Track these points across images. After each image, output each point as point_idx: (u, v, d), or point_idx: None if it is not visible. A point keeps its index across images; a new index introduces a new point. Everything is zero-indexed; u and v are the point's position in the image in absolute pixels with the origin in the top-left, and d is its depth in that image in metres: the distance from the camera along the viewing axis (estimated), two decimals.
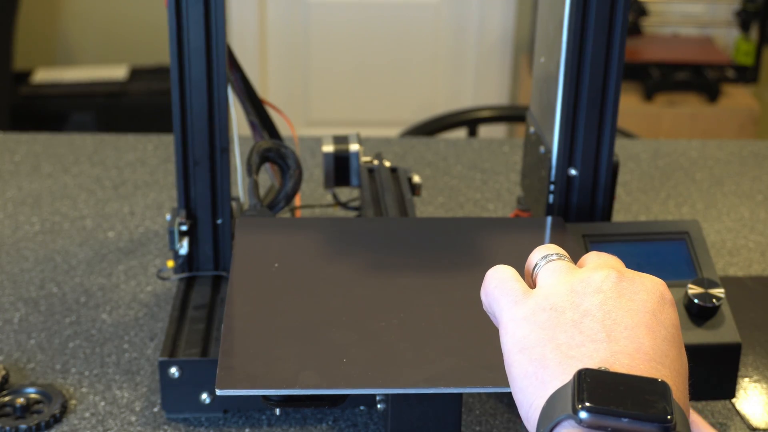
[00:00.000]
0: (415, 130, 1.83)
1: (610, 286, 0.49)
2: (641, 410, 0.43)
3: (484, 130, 1.93)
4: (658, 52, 2.78)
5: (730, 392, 0.79)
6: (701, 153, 1.34)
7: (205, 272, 0.91)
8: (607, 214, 0.89)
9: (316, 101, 3.12)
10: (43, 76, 2.84)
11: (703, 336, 0.77)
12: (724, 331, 0.77)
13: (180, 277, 0.90)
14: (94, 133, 1.41)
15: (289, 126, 1.00)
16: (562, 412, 0.44)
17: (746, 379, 0.86)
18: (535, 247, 0.55)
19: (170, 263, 0.91)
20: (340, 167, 1.00)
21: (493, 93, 3.08)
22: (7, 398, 0.79)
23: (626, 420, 0.43)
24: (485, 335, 0.65)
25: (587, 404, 0.43)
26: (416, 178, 1.02)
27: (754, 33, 2.90)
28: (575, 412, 0.43)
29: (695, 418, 0.66)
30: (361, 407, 0.81)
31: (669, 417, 0.43)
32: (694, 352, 0.77)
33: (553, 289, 0.50)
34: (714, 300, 0.77)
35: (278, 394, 0.61)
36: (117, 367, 0.86)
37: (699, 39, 2.93)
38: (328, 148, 1.00)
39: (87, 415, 0.80)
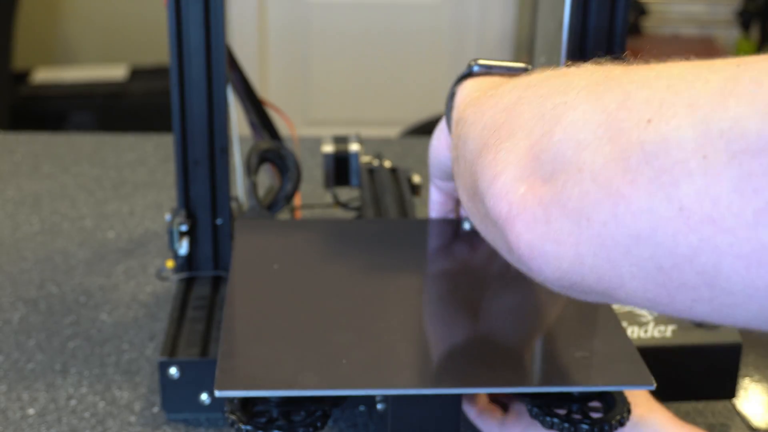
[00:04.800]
0: (415, 130, 1.83)
1: None
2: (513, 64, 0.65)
3: None
4: (659, 52, 2.78)
5: (730, 392, 0.79)
6: None
7: (205, 272, 0.91)
8: None
9: (316, 101, 3.12)
10: (42, 75, 2.84)
11: (704, 336, 0.77)
12: (724, 331, 0.77)
13: (180, 278, 0.90)
14: (94, 133, 1.41)
15: (289, 126, 1.00)
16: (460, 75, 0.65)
17: (747, 379, 0.86)
18: None
19: (170, 263, 0.91)
20: (340, 167, 1.00)
21: None
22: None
23: (505, 68, 0.65)
24: (485, 335, 0.65)
25: (478, 61, 0.66)
26: (416, 178, 1.02)
27: (755, 33, 2.90)
28: (469, 67, 0.65)
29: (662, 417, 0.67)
30: (361, 407, 0.81)
31: (525, 66, 0.66)
32: (694, 353, 0.77)
33: None
34: None
35: (277, 395, 0.61)
36: (116, 368, 0.86)
37: (699, 39, 2.93)
38: (328, 148, 1.00)
39: (86, 415, 0.80)
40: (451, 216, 0.79)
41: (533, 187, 0.45)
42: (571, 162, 0.43)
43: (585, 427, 0.61)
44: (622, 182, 0.40)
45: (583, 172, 0.42)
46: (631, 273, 0.41)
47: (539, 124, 0.47)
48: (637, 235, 0.40)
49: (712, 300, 0.40)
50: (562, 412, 0.62)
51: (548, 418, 0.61)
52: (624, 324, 0.74)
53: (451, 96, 0.67)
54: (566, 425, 0.61)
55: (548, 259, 0.45)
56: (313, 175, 1.21)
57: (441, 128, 0.73)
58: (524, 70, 0.66)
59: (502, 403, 0.74)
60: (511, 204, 0.46)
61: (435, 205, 0.78)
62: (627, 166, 0.40)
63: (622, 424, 0.62)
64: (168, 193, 1.20)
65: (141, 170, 1.28)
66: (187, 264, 0.90)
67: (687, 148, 0.39)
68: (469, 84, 0.66)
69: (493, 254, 0.57)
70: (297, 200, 1.02)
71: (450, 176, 0.72)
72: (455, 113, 0.64)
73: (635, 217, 0.40)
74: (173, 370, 0.78)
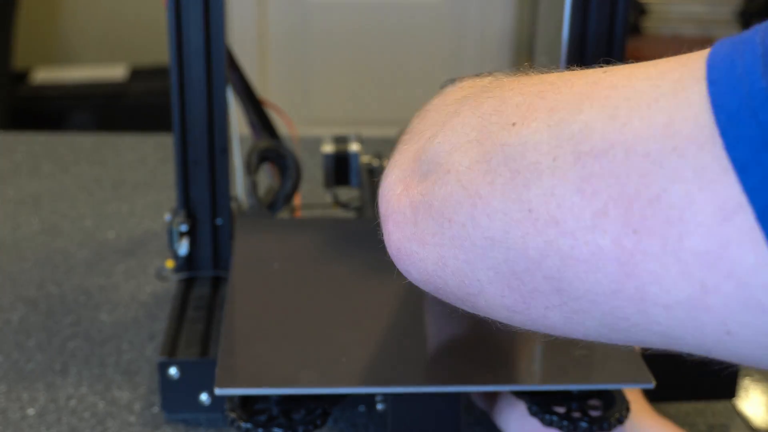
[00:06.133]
0: None
1: None
2: None
3: None
4: (659, 52, 2.77)
5: (731, 392, 0.79)
6: None
7: (205, 272, 0.91)
8: None
9: (316, 100, 3.12)
10: (42, 75, 2.84)
11: None
12: None
13: (179, 278, 0.90)
14: (94, 133, 1.41)
15: (289, 126, 1.00)
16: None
17: (747, 379, 0.86)
18: None
19: (170, 263, 0.91)
20: (340, 167, 1.00)
21: None
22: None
23: None
24: (485, 333, 0.65)
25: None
26: None
27: None
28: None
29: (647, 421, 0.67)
30: (361, 407, 0.81)
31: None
32: None
33: None
34: None
35: (277, 393, 0.61)
36: (116, 368, 0.86)
37: (699, 39, 2.92)
38: (328, 148, 1.00)
39: (86, 415, 0.80)
40: None
41: (408, 188, 0.46)
42: (442, 163, 0.44)
43: (584, 425, 0.61)
44: (482, 183, 0.41)
45: (450, 173, 0.43)
46: (488, 277, 0.41)
47: (430, 129, 0.47)
48: (491, 237, 0.40)
49: (561, 306, 0.39)
50: (561, 410, 0.62)
51: (547, 416, 0.61)
52: None
53: None
54: (565, 423, 0.61)
55: (413, 260, 0.45)
56: (313, 175, 1.21)
57: None
58: None
59: None
60: (388, 203, 0.47)
61: None
62: (488, 168, 0.41)
63: (621, 422, 0.62)
64: (168, 193, 1.20)
65: (141, 170, 1.28)
66: (186, 264, 0.90)
67: (541, 150, 0.39)
68: None
69: None
70: (297, 200, 1.02)
71: None
72: None
73: (490, 219, 0.40)
74: (173, 371, 0.78)
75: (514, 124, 0.41)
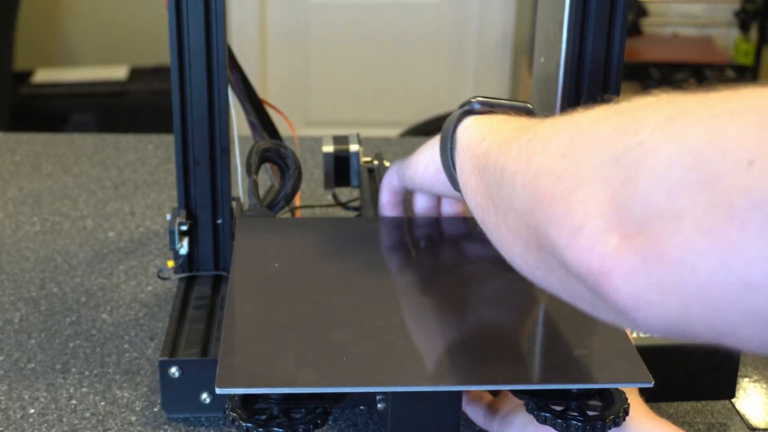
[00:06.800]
0: (415, 130, 1.82)
1: None
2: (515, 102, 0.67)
3: None
4: (658, 52, 2.78)
5: (730, 392, 0.79)
6: None
7: (205, 272, 0.91)
8: None
9: (316, 101, 3.12)
10: (43, 76, 2.84)
11: None
12: None
13: (180, 277, 0.90)
14: (95, 133, 1.41)
15: (289, 126, 1.00)
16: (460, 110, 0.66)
17: (746, 379, 0.86)
18: None
19: (170, 263, 0.91)
20: (340, 167, 1.00)
21: (493, 93, 3.08)
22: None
23: (507, 106, 0.66)
24: (485, 333, 0.65)
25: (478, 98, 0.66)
26: None
27: (754, 33, 2.90)
28: (469, 104, 0.66)
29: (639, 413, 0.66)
30: (361, 407, 0.81)
31: (527, 104, 0.68)
32: (694, 353, 0.77)
33: None
34: None
35: (278, 393, 0.61)
36: (117, 367, 0.86)
37: (699, 39, 2.93)
38: (328, 148, 1.00)
39: (87, 415, 0.80)
40: (400, 213, 0.82)
41: (626, 238, 0.43)
42: (665, 210, 0.41)
43: (577, 423, 0.61)
44: (730, 230, 0.38)
45: (682, 220, 0.40)
46: (744, 321, 0.40)
47: (615, 169, 0.44)
48: (749, 282, 0.38)
49: None
50: (557, 408, 0.62)
51: (542, 414, 0.62)
52: None
53: (452, 134, 0.65)
54: (559, 421, 0.61)
55: (653, 309, 0.43)
56: (313, 175, 1.21)
57: (431, 160, 0.72)
58: (527, 110, 0.66)
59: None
60: (603, 257, 0.44)
61: (388, 205, 0.82)
62: (733, 213, 0.38)
63: (617, 423, 0.62)
64: (169, 193, 1.20)
65: (142, 170, 1.28)
66: (187, 264, 0.91)
67: None
68: (472, 124, 0.63)
69: (493, 253, 0.57)
70: (297, 200, 1.03)
71: (423, 193, 0.78)
72: (466, 156, 0.62)
73: (747, 265, 0.38)
74: (174, 370, 0.78)
75: (751, 163, 0.38)
